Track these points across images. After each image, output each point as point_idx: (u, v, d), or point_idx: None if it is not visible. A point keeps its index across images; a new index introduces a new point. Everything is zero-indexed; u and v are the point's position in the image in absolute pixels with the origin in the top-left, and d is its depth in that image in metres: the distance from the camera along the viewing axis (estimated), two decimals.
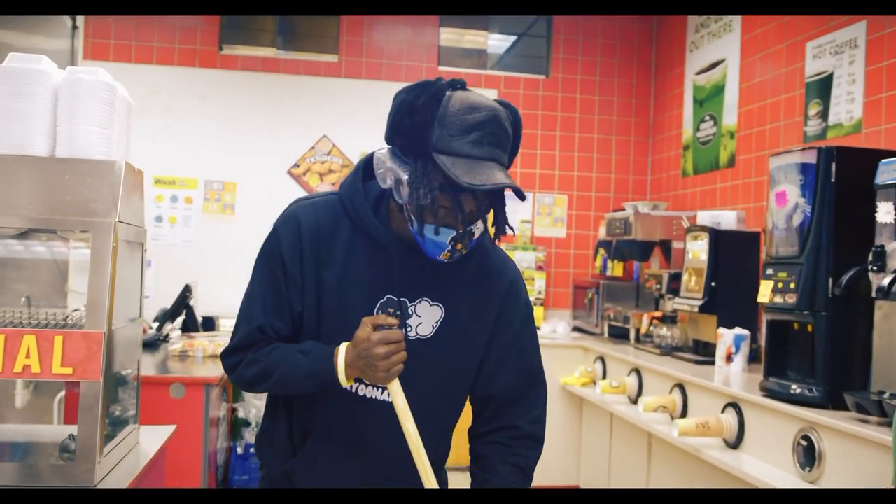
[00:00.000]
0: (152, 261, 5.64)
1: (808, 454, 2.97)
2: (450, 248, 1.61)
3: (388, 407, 1.67)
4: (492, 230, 1.70)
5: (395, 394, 1.65)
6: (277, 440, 1.82)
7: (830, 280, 3.07)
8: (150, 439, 2.84)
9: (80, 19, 5.84)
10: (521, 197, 1.56)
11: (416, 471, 1.67)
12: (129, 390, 2.95)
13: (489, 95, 5.92)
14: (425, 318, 1.71)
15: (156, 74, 5.88)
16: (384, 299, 1.69)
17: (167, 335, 4.71)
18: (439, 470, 1.82)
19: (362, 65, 6.13)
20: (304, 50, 6.19)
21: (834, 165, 3.11)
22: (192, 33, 5.94)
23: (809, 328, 3.20)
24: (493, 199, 1.63)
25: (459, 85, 1.61)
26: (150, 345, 4.60)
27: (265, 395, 4.49)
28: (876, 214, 2.86)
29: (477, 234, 1.65)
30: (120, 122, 2.64)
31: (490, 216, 1.69)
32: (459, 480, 1.87)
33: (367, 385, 1.72)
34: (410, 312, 1.70)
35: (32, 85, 2.44)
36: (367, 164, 1.74)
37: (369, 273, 1.70)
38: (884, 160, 2.86)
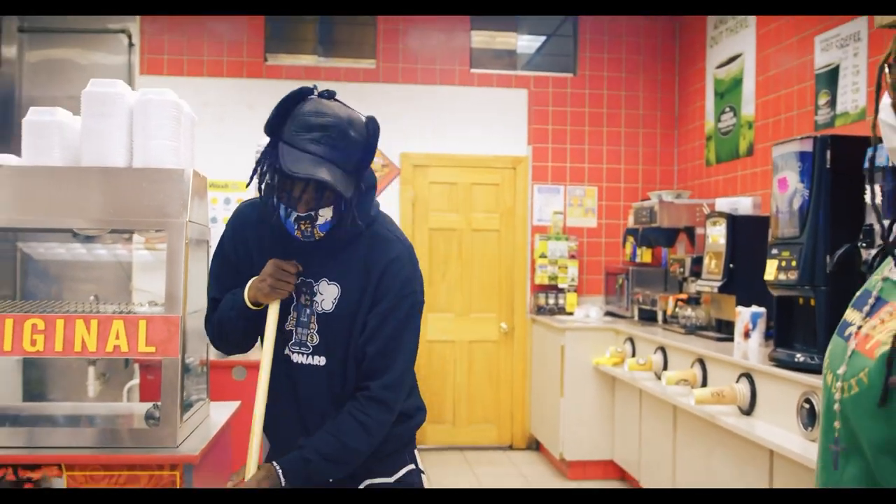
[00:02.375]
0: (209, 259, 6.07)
1: (810, 415, 3.27)
2: (296, 226, 1.99)
3: (315, 370, 2.07)
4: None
5: (271, 311, 2.05)
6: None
7: (827, 257, 3.36)
8: (218, 413, 3.21)
9: (135, 36, 6.28)
10: (343, 200, 1.95)
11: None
12: (200, 371, 3.35)
13: (519, 95, 6.18)
14: (326, 295, 2.06)
15: (207, 86, 6.31)
16: (298, 281, 2.07)
17: None
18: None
19: (398, 70, 6.50)
20: (343, 56, 6.57)
21: (829, 153, 3.40)
22: (239, 46, 6.36)
23: (812, 302, 3.49)
24: (322, 191, 1.94)
25: (327, 94, 1.98)
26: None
27: None
28: (865, 196, 3.15)
29: (323, 220, 1.98)
30: (185, 134, 3.03)
31: None
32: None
33: (296, 353, 2.09)
34: (315, 291, 2.06)
35: (111, 106, 2.83)
36: None
37: (283, 258, 2.07)
38: (879, 145, 3.14)
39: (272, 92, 6.37)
